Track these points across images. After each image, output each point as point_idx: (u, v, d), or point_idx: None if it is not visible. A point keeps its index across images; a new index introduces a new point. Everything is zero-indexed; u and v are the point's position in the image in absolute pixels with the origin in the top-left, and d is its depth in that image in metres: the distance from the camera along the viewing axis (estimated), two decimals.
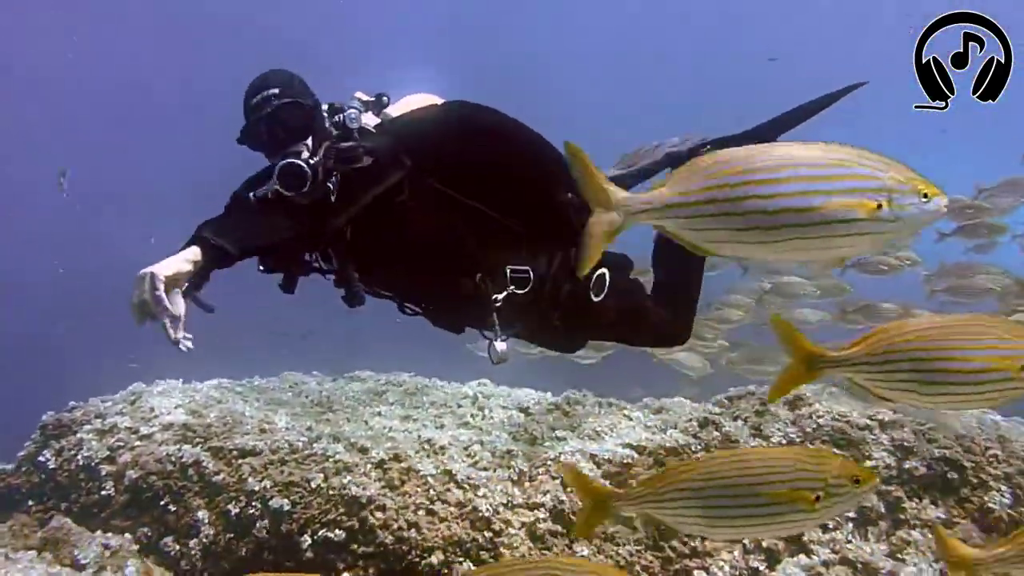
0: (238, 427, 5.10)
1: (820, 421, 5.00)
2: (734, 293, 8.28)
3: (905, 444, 4.75)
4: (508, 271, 3.48)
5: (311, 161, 3.16)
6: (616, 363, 8.69)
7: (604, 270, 3.71)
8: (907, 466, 4.65)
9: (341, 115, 3.30)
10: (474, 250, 3.42)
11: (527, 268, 3.52)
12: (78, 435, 5.03)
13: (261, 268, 3.36)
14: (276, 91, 3.22)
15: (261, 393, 6.29)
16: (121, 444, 4.95)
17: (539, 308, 3.63)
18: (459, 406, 6.49)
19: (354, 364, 7.58)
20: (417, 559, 4.36)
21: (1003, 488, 4.51)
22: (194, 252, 2.73)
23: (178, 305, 2.63)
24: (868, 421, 5.00)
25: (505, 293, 3.46)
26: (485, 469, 4.92)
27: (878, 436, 4.89)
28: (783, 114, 4.12)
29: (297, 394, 6.38)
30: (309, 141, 3.22)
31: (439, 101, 3.67)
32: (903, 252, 7.52)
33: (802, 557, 4.33)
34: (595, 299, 3.69)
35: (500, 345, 3.52)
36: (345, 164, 3.20)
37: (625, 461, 4.94)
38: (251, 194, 3.23)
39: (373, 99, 3.48)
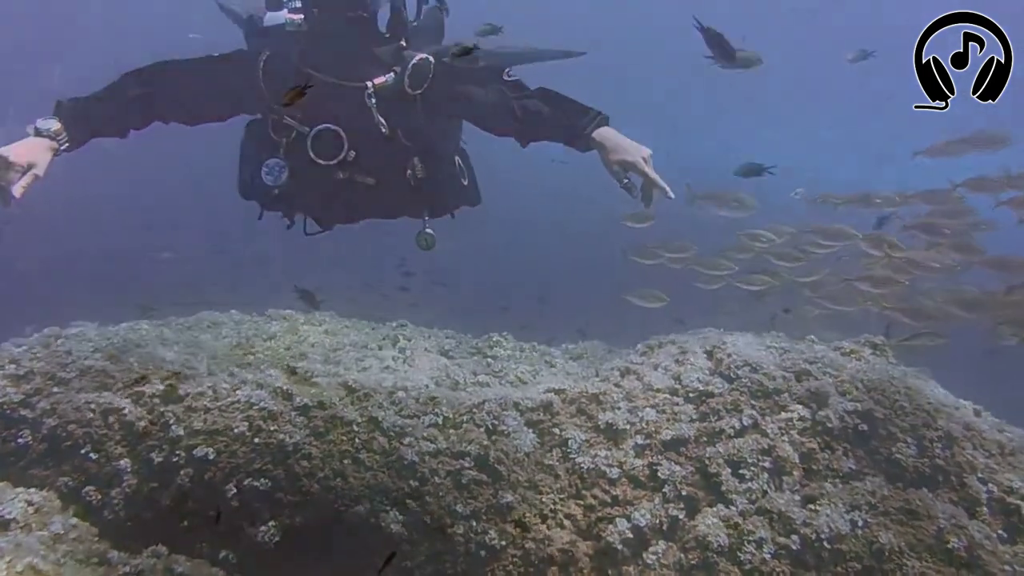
0: (159, 373, 4.99)
1: (739, 372, 5.12)
2: None
3: (819, 396, 4.91)
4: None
5: (430, 59, 3.58)
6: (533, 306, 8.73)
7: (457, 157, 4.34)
8: (820, 417, 4.81)
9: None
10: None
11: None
12: None
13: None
14: None
15: (179, 334, 6.15)
16: (37, 391, 4.81)
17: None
18: (380, 348, 6.49)
19: (273, 303, 7.42)
20: (343, 508, 4.40)
21: (909, 440, 4.71)
22: None
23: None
24: (784, 373, 5.15)
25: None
26: (410, 417, 4.94)
27: (793, 388, 5.04)
28: (521, 50, 4.77)
29: (216, 336, 6.27)
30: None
31: None
32: None
33: (720, 507, 4.47)
34: (464, 183, 4.33)
35: (430, 230, 4.12)
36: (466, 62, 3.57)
37: (552, 406, 5.06)
38: (369, 83, 3.53)
39: None
